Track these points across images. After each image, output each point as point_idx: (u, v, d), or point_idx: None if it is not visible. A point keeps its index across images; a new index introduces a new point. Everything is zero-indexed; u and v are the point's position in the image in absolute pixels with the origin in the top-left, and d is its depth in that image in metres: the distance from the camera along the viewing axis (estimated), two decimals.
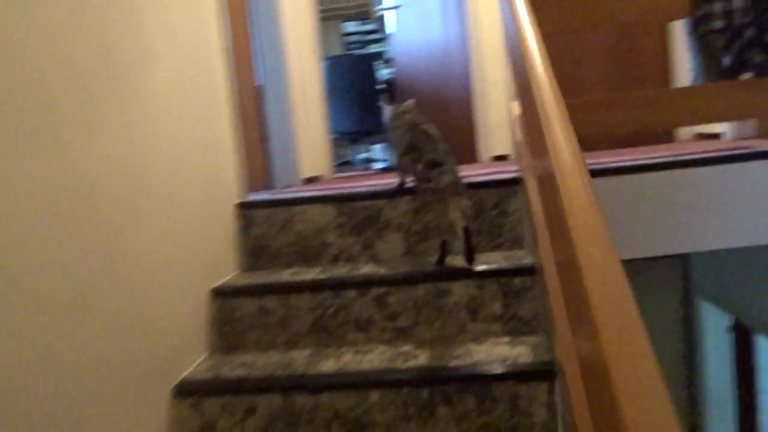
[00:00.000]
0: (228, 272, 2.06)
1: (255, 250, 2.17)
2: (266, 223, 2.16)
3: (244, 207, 2.17)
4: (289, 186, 3.06)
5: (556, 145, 1.15)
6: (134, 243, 1.49)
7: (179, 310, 1.70)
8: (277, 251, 2.15)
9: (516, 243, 2.03)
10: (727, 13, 1.97)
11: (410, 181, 2.03)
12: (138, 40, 1.60)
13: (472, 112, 3.57)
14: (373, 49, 7.80)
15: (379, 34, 7.67)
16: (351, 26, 7.80)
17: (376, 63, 5.97)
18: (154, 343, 1.55)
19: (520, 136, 1.88)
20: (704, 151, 2.10)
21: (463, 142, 3.59)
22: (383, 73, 6.73)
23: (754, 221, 1.94)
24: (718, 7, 1.98)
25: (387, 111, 2.23)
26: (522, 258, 1.87)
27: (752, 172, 1.94)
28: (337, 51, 7.72)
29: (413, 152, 1.92)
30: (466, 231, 1.83)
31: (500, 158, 3.51)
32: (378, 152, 7.14)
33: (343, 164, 6.59)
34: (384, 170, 5.48)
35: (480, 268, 1.80)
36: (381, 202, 2.09)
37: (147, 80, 1.62)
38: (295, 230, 2.14)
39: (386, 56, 7.58)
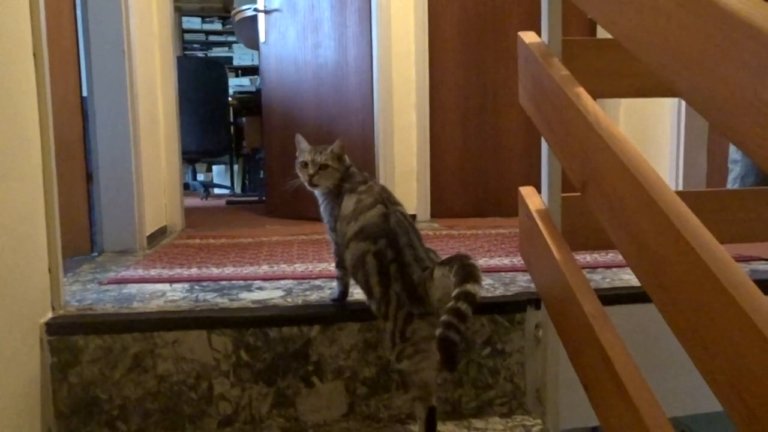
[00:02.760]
0: None
1: (79, 409, 1.22)
2: (102, 361, 1.22)
3: (60, 330, 1.21)
4: (126, 251, 2.07)
5: None
6: None
7: None
8: (120, 411, 1.23)
9: (514, 399, 1.35)
10: None
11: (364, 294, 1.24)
12: None
13: (372, 157, 2.86)
14: (217, 53, 6.76)
15: (229, 36, 6.65)
16: (193, 23, 6.67)
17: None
18: None
19: (551, 243, 1.21)
20: None
21: None
22: (233, 84, 5.77)
23: None
24: None
25: (311, 154, 1.35)
26: None
27: None
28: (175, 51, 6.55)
29: (378, 242, 1.13)
30: (431, 413, 1.11)
31: None
32: (219, 176, 6.10)
33: None
34: (233, 203, 4.54)
35: None
36: (311, 331, 1.28)
37: None
38: (156, 373, 1.24)
39: (238, 65, 6.60)
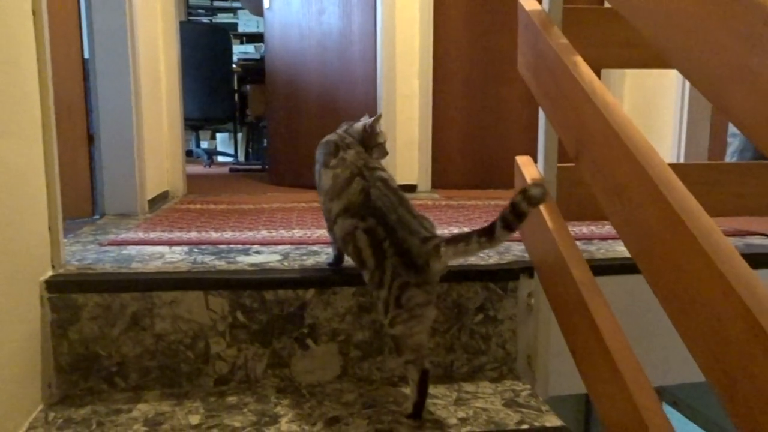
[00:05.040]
0: (23, 416, 1.12)
1: (79, 365, 1.25)
2: (101, 318, 1.25)
3: (60, 287, 1.24)
4: (127, 214, 2.09)
5: None
6: None
7: None
8: (119, 367, 1.26)
9: (505, 365, 1.37)
10: None
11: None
12: None
13: None
14: (222, 19, 6.70)
15: (234, 2, 6.58)
16: None
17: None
18: None
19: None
20: None
21: None
22: (237, 51, 5.73)
23: None
24: None
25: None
26: (535, 406, 1.22)
27: None
28: (179, 16, 6.48)
29: (367, 220, 1.14)
30: (424, 375, 1.12)
31: (406, 188, 2.84)
32: (223, 144, 6.10)
33: None
34: (236, 170, 4.54)
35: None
36: (306, 294, 1.30)
37: None
38: (154, 332, 1.26)
39: (243, 32, 6.54)
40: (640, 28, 0.80)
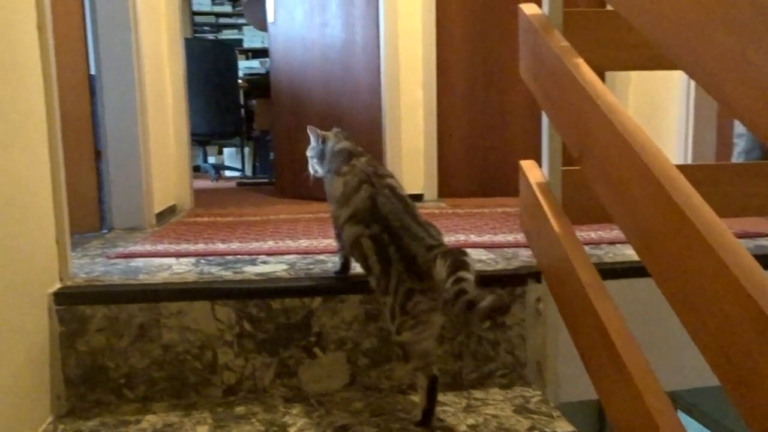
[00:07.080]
0: (31, 428, 1.12)
1: (87, 377, 1.25)
2: (108, 330, 1.25)
3: (68, 299, 1.24)
4: (134, 228, 2.10)
5: None
6: None
7: None
8: (127, 379, 1.26)
9: (515, 372, 1.36)
10: None
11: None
12: None
13: (380, 137, 2.86)
14: (228, 35, 6.76)
15: (239, 18, 6.65)
16: (203, 5, 6.66)
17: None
18: None
19: (552, 217, 1.21)
20: None
21: None
22: (243, 66, 5.78)
23: None
24: None
25: (315, 139, 1.41)
26: (546, 412, 1.21)
27: None
28: (185, 33, 6.54)
29: (372, 227, 1.15)
30: (433, 382, 1.11)
31: (412, 198, 2.84)
32: (230, 159, 6.13)
33: None
34: (243, 184, 4.56)
35: None
36: (313, 303, 1.30)
37: None
38: (161, 342, 1.26)
39: (248, 47, 6.60)
40: (641, 29, 0.80)
